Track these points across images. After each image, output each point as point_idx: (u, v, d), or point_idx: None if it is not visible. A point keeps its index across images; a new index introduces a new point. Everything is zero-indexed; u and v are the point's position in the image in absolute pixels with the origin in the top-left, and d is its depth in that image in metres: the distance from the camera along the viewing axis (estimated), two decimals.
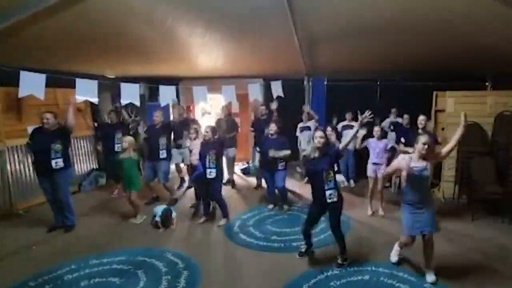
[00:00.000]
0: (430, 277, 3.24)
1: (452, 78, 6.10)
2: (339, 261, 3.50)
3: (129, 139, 4.69)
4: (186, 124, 5.95)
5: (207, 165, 4.47)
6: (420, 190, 3.15)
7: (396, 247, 3.56)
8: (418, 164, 3.12)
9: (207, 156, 4.46)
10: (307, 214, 3.75)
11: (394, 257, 3.55)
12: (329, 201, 3.37)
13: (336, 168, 4.68)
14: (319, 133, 3.42)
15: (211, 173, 4.49)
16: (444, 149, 3.19)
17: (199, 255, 3.77)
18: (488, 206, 4.83)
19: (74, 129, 4.52)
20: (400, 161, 3.23)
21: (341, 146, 3.50)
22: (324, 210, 3.51)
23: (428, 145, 3.10)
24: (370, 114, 3.38)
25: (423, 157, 3.13)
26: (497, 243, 4.00)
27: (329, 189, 3.35)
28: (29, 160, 5.31)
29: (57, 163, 4.25)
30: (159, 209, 4.53)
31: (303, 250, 3.76)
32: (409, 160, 3.15)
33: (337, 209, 3.45)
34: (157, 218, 4.45)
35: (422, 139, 3.13)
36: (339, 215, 3.48)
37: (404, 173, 3.16)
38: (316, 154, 3.40)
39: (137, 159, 4.71)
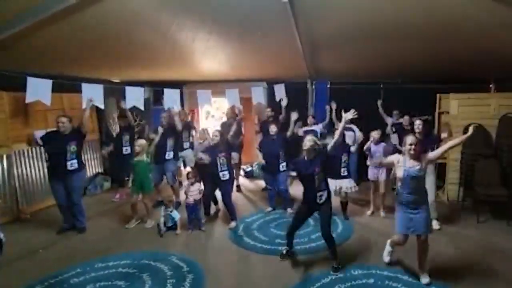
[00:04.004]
0: (425, 279, 3.24)
1: (456, 80, 6.08)
2: (334, 265, 3.50)
3: (141, 142, 4.68)
4: (186, 128, 6.00)
5: (219, 168, 4.53)
6: (413, 191, 3.14)
7: (387, 247, 3.60)
8: (410, 165, 3.15)
9: (217, 160, 4.51)
10: (295, 213, 3.84)
11: (386, 257, 3.60)
12: (319, 201, 3.44)
13: (345, 173, 4.70)
14: (308, 137, 3.52)
15: (224, 175, 4.56)
16: (432, 154, 3.25)
17: (204, 259, 3.80)
18: (493, 209, 4.81)
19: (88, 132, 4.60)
20: (394, 157, 3.32)
21: (329, 146, 3.51)
22: (313, 210, 3.60)
23: (414, 145, 3.12)
24: (354, 113, 3.46)
25: (415, 158, 3.15)
26: (502, 246, 3.98)
27: (320, 190, 3.43)
28: (36, 165, 5.38)
29: (72, 164, 4.33)
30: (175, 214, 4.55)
31: (284, 252, 3.78)
32: (402, 160, 3.20)
33: (327, 208, 3.51)
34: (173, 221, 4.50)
35: (408, 140, 3.17)
36: (329, 215, 3.51)
37: (398, 174, 3.21)
38: (306, 157, 3.47)
39: (149, 162, 4.72)
